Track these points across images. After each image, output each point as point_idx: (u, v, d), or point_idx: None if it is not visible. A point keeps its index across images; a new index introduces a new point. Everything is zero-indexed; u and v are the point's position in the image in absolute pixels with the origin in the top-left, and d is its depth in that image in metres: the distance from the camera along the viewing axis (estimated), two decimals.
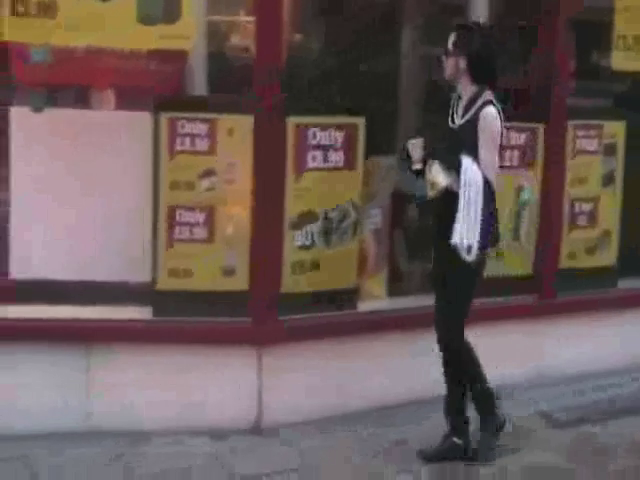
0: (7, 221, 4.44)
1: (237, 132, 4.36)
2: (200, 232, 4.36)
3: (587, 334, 5.11)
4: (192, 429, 4.26)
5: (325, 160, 4.49)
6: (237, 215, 4.42)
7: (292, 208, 4.45)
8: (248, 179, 4.37)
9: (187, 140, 4.33)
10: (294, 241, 4.46)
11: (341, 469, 4.13)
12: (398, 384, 4.49)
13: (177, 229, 4.34)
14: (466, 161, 3.96)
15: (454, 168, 3.97)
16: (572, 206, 5.17)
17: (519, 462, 4.24)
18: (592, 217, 5.24)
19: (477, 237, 3.92)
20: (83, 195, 4.43)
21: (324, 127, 4.47)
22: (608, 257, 5.31)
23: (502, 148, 4.22)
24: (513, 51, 5.34)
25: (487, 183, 3.97)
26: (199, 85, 4.73)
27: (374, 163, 4.75)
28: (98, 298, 4.33)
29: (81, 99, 4.75)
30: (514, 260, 5.05)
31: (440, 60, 4.13)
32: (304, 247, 4.48)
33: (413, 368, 4.57)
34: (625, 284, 5.34)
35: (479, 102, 4.05)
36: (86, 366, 4.24)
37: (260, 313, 4.32)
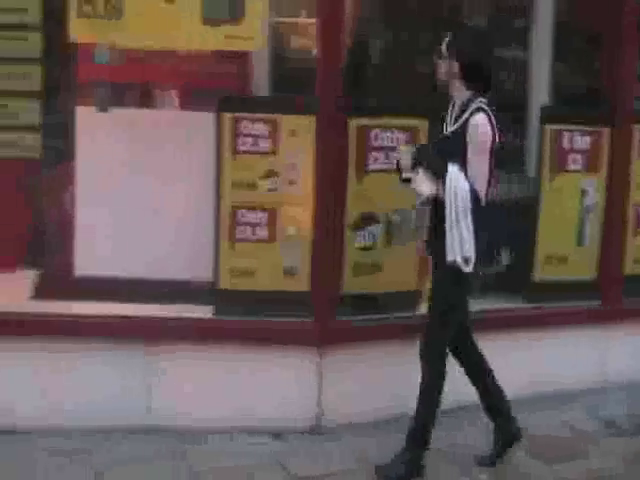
0: (72, 219, 4.51)
1: (299, 133, 4.37)
2: (262, 232, 4.38)
3: None
4: (252, 428, 4.27)
5: (387, 162, 4.47)
6: (298, 215, 4.43)
7: (353, 209, 4.45)
8: (310, 180, 4.38)
9: (249, 140, 4.35)
10: (355, 242, 4.46)
11: None
12: (457, 388, 4.46)
13: (239, 229, 4.37)
14: (452, 169, 3.82)
15: (441, 176, 3.82)
16: (637, 211, 5.11)
17: (579, 469, 4.18)
18: None
19: (473, 247, 3.79)
20: (146, 194, 4.48)
21: (386, 128, 4.45)
22: None
23: (493, 156, 3.89)
24: (578, 54, 5.29)
25: (475, 194, 3.81)
26: (262, 86, 4.77)
27: None
28: (160, 296, 4.37)
29: (145, 99, 4.82)
30: (578, 265, 4.99)
31: (434, 63, 3.98)
32: (365, 248, 4.48)
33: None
34: None
35: (470, 109, 3.90)
36: (147, 363, 4.28)
37: (321, 313, 4.33)
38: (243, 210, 4.37)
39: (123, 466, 4.04)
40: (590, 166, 4.96)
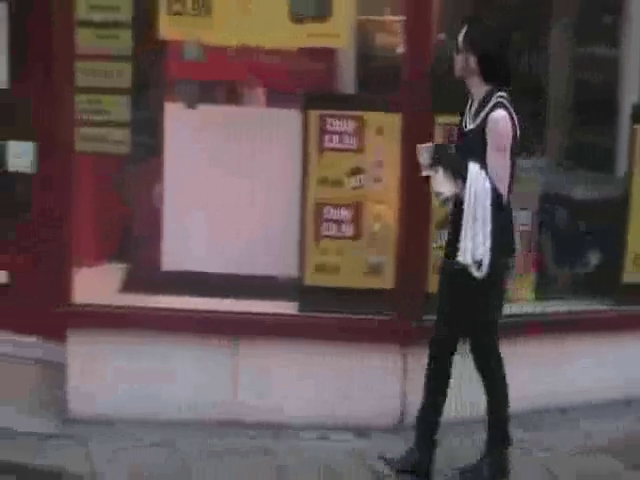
0: (160, 214, 4.56)
1: (385, 130, 4.37)
2: (347, 229, 4.39)
3: None
4: (335, 424, 4.28)
5: None
6: (384, 213, 4.43)
7: (439, 208, 4.36)
8: (395, 177, 4.36)
9: (336, 137, 4.37)
10: (441, 241, 4.38)
11: None
12: (542, 388, 4.41)
13: (324, 225, 4.39)
14: (473, 168, 3.66)
15: (460, 175, 3.67)
16: None
17: None
18: None
19: (488, 251, 3.61)
20: (233, 190, 4.52)
21: None
22: None
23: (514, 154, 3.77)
24: None
25: (496, 192, 3.65)
26: (348, 83, 4.76)
27: (524, 164, 4.66)
28: (246, 291, 4.41)
29: (232, 96, 4.87)
30: None
31: (451, 57, 3.83)
32: None
33: (558, 373, 4.48)
34: None
35: (490, 104, 3.73)
36: (232, 358, 4.32)
37: (405, 312, 4.31)
38: (329, 207, 4.38)
39: (209, 459, 4.07)
40: None
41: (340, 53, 4.67)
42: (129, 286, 4.55)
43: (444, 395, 3.94)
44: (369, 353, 4.30)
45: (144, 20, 4.43)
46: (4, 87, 4.84)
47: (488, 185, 3.63)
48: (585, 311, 4.73)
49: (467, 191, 3.64)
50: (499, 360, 3.89)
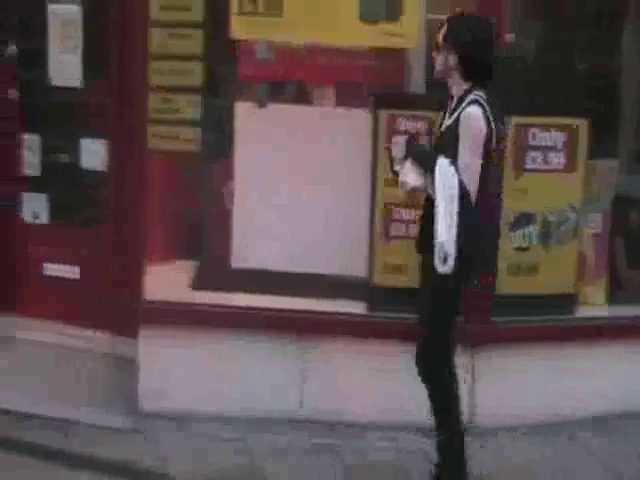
0: (229, 212, 4.60)
1: None
2: (415, 230, 4.36)
3: None
4: (401, 424, 4.27)
5: (545, 162, 4.40)
6: None
7: (510, 209, 4.38)
8: None
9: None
10: (511, 242, 4.40)
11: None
12: (614, 394, 4.36)
13: (393, 226, 4.38)
14: (441, 162, 3.54)
15: (428, 169, 3.57)
16: None
17: None
18: None
19: (453, 246, 3.47)
20: (302, 189, 4.55)
21: (545, 128, 4.38)
22: None
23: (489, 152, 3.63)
24: None
25: (464, 190, 3.52)
26: (418, 83, 4.73)
27: (595, 166, 4.60)
28: (314, 291, 4.42)
29: (302, 95, 4.87)
30: None
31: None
32: (521, 249, 4.41)
33: (631, 379, 4.44)
34: None
35: (465, 102, 3.62)
36: (300, 356, 4.35)
37: (474, 313, 4.26)
38: (398, 208, 4.37)
39: (276, 457, 4.10)
40: None
41: (410, 53, 4.65)
42: (199, 283, 4.59)
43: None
44: None
45: (215, 20, 4.46)
46: (78, 86, 4.98)
47: (456, 180, 3.51)
48: None
49: (437, 184, 3.52)
50: (444, 372, 3.76)
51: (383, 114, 4.34)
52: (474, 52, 3.65)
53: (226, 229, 4.60)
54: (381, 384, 4.32)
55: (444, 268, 3.51)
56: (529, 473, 4.11)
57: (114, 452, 4.06)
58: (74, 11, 4.91)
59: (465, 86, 3.67)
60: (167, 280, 4.53)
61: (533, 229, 4.42)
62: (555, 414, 4.39)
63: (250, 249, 4.58)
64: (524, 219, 4.41)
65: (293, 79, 4.83)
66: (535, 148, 4.40)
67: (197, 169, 4.72)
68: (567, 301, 4.47)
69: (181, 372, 4.36)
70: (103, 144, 4.89)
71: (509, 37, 4.87)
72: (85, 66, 4.92)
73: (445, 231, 3.48)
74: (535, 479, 4.09)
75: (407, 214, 4.35)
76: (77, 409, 4.36)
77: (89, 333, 4.92)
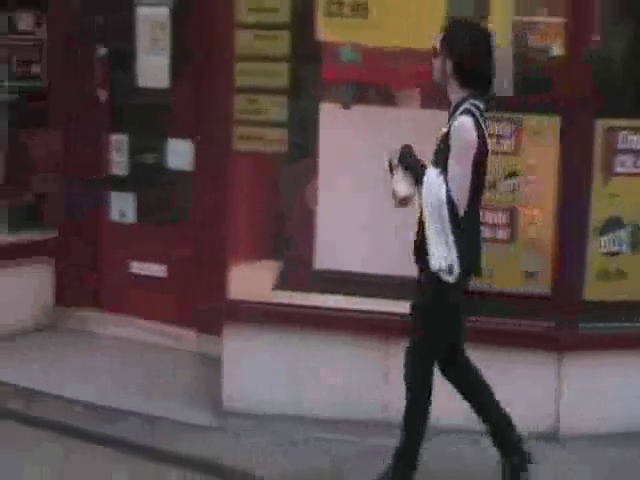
0: (314, 213, 4.61)
1: (543, 133, 4.31)
2: (502, 232, 4.35)
3: None
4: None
5: (635, 165, 4.33)
6: (539, 217, 4.36)
7: (598, 213, 4.33)
8: (552, 181, 4.29)
9: (492, 141, 4.29)
10: (600, 247, 4.34)
11: None
12: None
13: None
14: (430, 173, 3.52)
15: (417, 180, 3.56)
16: None
17: None
18: None
19: (456, 254, 3.46)
20: (385, 191, 4.53)
21: (634, 130, 4.31)
22: None
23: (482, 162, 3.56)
24: None
25: (451, 201, 3.48)
26: (506, 85, 4.68)
27: None
28: (397, 292, 4.36)
29: (387, 96, 4.86)
30: None
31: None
32: (610, 254, 4.35)
33: None
34: None
35: (459, 111, 3.55)
36: (383, 358, 4.32)
37: (561, 319, 4.24)
38: (484, 210, 4.30)
39: (358, 459, 4.11)
40: None
41: (498, 54, 4.59)
42: (282, 284, 4.61)
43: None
44: (523, 358, 4.24)
45: (301, 22, 4.50)
46: (166, 87, 5.05)
47: (443, 192, 3.48)
48: None
49: (425, 197, 3.53)
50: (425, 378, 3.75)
51: None
52: (469, 60, 3.58)
53: (309, 230, 4.62)
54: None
55: (452, 277, 3.52)
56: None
57: (200, 449, 4.12)
58: (163, 13, 5.01)
59: (462, 94, 3.60)
60: (251, 280, 4.56)
61: (623, 234, 4.35)
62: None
63: (333, 250, 4.59)
64: (613, 224, 4.35)
65: (378, 80, 4.82)
66: (625, 151, 4.32)
67: (282, 170, 4.77)
68: None
69: (264, 371, 4.40)
70: (190, 145, 4.98)
71: (598, 38, 4.81)
72: (172, 68, 5.02)
73: (444, 250, 3.47)
74: None
75: (494, 216, 4.31)
76: (163, 405, 4.44)
77: (176, 331, 5.02)
